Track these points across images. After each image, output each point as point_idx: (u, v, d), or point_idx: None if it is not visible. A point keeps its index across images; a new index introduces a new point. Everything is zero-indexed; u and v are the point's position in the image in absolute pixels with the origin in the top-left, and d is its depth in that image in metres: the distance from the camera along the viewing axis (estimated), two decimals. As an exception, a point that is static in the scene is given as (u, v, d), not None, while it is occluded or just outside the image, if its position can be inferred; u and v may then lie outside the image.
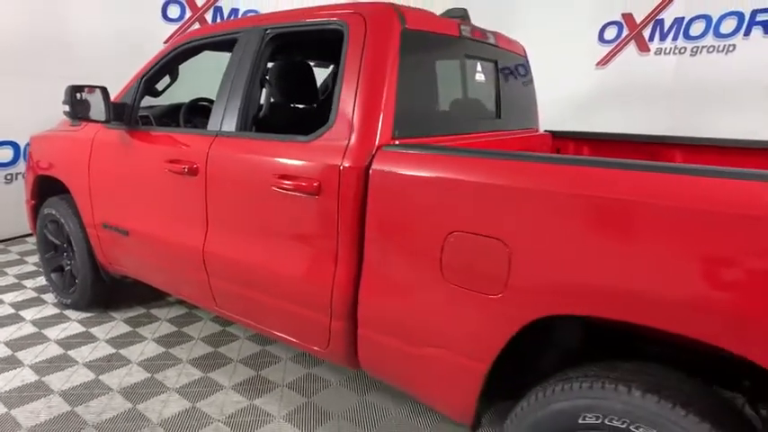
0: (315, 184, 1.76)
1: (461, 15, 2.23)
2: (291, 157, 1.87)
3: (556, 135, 2.88)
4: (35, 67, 4.19)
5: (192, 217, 2.23)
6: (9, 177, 4.40)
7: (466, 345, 1.51)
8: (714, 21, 4.48)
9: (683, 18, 4.64)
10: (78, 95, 2.49)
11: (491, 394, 1.56)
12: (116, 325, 2.98)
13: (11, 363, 2.54)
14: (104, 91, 2.46)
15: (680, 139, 2.62)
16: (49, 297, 3.29)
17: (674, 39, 4.71)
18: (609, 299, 1.25)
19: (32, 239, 3.98)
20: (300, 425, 2.14)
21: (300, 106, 2.80)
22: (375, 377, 1.94)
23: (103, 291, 3.08)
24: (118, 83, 2.69)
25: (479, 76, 2.31)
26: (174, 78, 2.81)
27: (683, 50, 4.68)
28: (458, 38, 2.12)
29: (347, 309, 1.77)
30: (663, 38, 4.78)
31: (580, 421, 1.27)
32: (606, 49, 5.11)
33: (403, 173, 1.60)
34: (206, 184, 2.14)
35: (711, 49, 4.51)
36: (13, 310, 3.12)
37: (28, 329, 2.89)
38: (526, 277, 1.36)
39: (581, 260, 1.26)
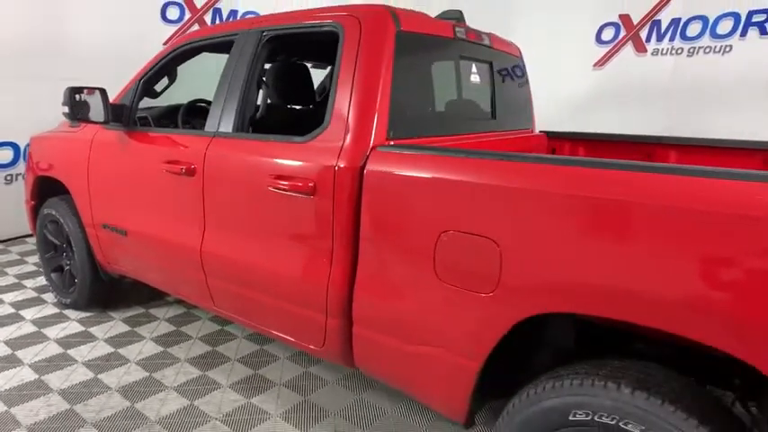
0: (310, 185, 1.78)
1: (456, 17, 2.25)
2: (287, 158, 1.89)
3: (551, 135, 2.89)
4: (35, 69, 4.21)
5: (190, 217, 2.25)
6: (9, 178, 4.43)
7: (458, 343, 1.53)
8: (711, 21, 4.49)
9: (679, 19, 4.66)
10: (77, 97, 2.51)
11: (485, 392, 1.58)
12: (115, 324, 3.00)
13: (11, 361, 2.56)
14: (103, 92, 2.48)
15: (674, 140, 2.64)
16: (49, 297, 3.31)
17: (671, 39, 4.73)
18: (597, 297, 1.27)
19: (32, 240, 4.00)
20: (297, 423, 2.16)
21: (297, 107, 2.82)
22: (369, 375, 1.95)
23: (102, 290, 3.11)
24: (117, 84, 2.71)
25: (474, 77, 2.33)
26: (172, 80, 2.83)
27: (680, 51, 4.69)
28: (452, 39, 2.14)
29: (342, 307, 1.79)
30: (660, 38, 4.80)
31: (570, 418, 1.29)
32: (604, 49, 5.13)
33: (397, 173, 1.62)
34: (203, 184, 2.16)
35: (708, 50, 4.53)
36: (13, 310, 3.14)
37: (28, 329, 2.91)
38: (517, 276, 1.38)
39: (570, 259, 1.28)
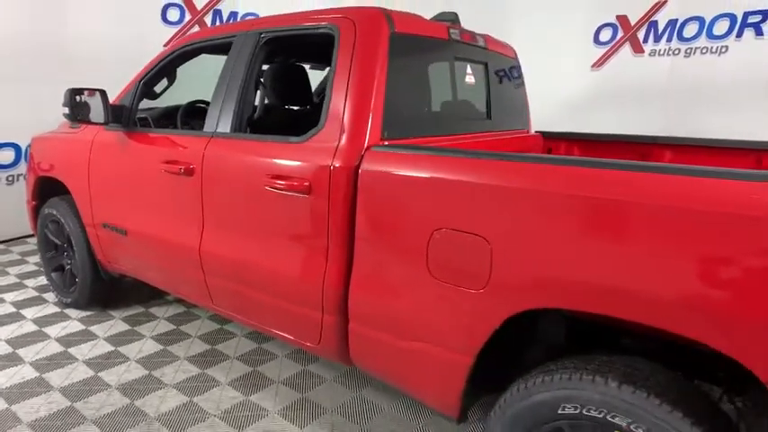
0: (306, 184, 1.81)
1: (451, 19, 2.27)
2: (284, 158, 1.92)
3: (547, 136, 2.92)
4: (36, 70, 4.25)
5: (189, 216, 2.28)
6: (10, 179, 4.46)
7: (451, 338, 1.56)
8: (707, 22, 4.52)
9: (676, 20, 4.69)
10: (78, 98, 2.54)
11: (477, 388, 1.61)
12: (115, 323, 3.03)
13: (12, 360, 2.59)
14: (103, 94, 2.51)
15: (670, 140, 2.66)
16: (50, 296, 3.35)
17: (668, 40, 4.75)
18: (585, 293, 1.29)
19: (33, 240, 4.03)
20: (295, 420, 2.18)
21: (295, 108, 2.85)
22: (366, 372, 1.98)
23: (103, 290, 3.13)
24: (117, 86, 2.74)
25: (469, 78, 2.36)
26: (171, 81, 2.86)
27: (676, 52, 4.72)
28: (447, 41, 2.17)
29: (338, 304, 1.82)
30: (657, 39, 4.82)
31: (560, 411, 1.32)
32: (601, 50, 5.16)
33: (390, 172, 1.65)
34: (202, 184, 2.19)
35: (705, 51, 4.55)
36: (14, 309, 3.17)
37: (29, 327, 2.95)
38: (507, 273, 1.40)
39: (559, 256, 1.31)
